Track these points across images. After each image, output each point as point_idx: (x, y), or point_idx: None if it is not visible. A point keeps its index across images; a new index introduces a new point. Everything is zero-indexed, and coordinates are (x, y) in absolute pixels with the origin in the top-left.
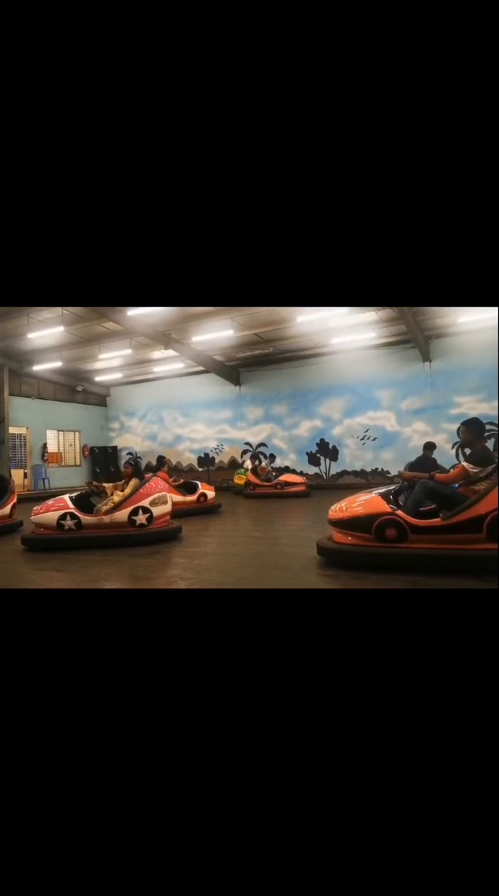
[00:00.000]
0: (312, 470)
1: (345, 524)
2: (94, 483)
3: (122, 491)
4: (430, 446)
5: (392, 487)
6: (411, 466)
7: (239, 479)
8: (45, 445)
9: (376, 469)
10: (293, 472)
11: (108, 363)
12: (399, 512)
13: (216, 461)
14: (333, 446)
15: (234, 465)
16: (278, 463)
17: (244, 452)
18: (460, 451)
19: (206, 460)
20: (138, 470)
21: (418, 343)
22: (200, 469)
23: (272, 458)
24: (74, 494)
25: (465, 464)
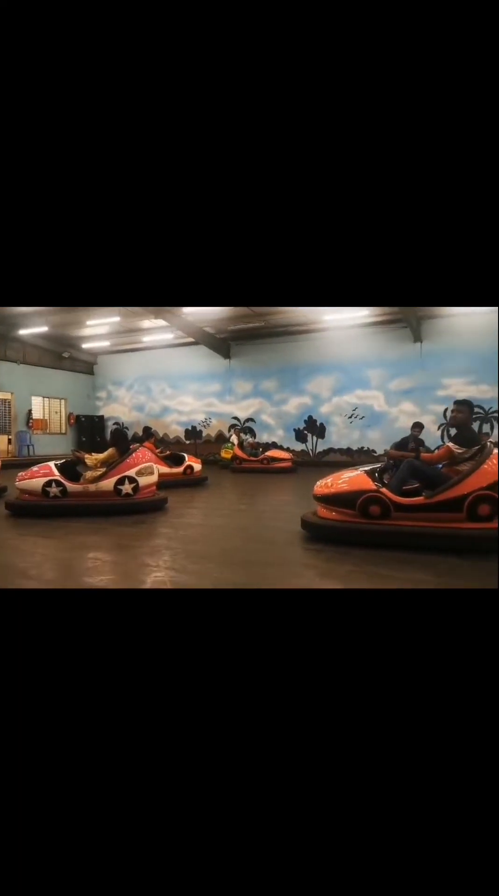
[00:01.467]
0: (298, 446)
1: (330, 500)
2: (78, 452)
3: (101, 462)
4: (417, 426)
5: (378, 465)
6: (398, 446)
7: (226, 454)
8: (30, 412)
9: (363, 448)
10: (280, 447)
11: (96, 330)
12: (384, 489)
13: (204, 434)
14: (321, 424)
15: (221, 438)
16: (266, 439)
17: (231, 427)
18: (445, 432)
19: (193, 433)
20: (118, 440)
21: (410, 323)
22: (187, 442)
23: (252, 432)
24: (60, 462)
25: (450, 444)
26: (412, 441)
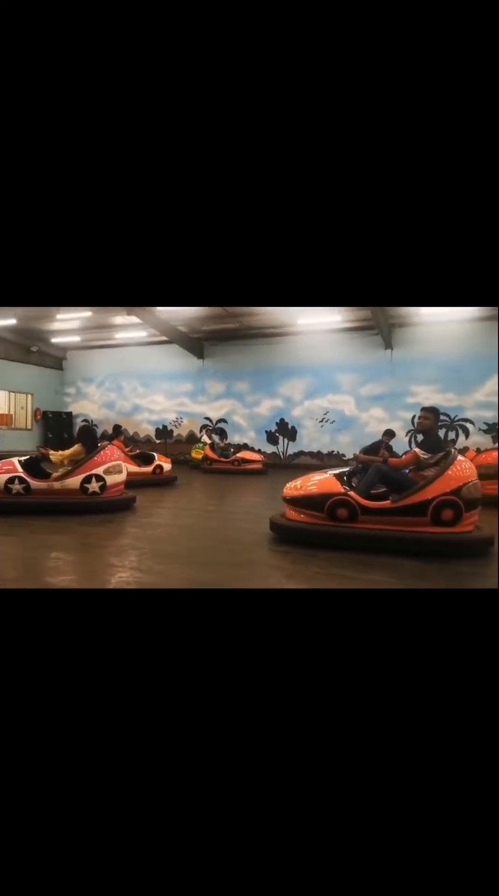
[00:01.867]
0: (270, 449)
1: (299, 502)
2: (44, 448)
3: (66, 459)
4: (389, 433)
5: (347, 469)
6: (368, 450)
7: (196, 454)
8: None
9: (332, 452)
10: (251, 449)
11: (66, 325)
12: (352, 493)
13: (175, 434)
14: (293, 427)
15: (192, 438)
16: (238, 440)
17: (203, 427)
18: (412, 438)
19: (164, 432)
20: (85, 436)
21: (381, 330)
22: (158, 441)
23: (224, 434)
24: (24, 458)
25: (417, 450)
26: (384, 447)
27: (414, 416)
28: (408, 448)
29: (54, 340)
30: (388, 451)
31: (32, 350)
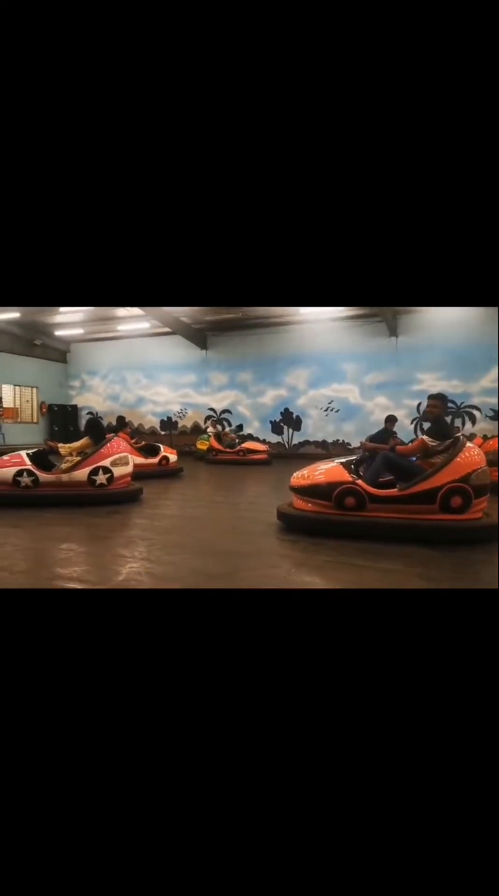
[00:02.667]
0: (274, 439)
1: (306, 491)
2: (51, 442)
3: (75, 451)
4: (391, 419)
5: (353, 457)
6: (372, 439)
7: (201, 445)
8: (0, 400)
9: (337, 440)
10: (256, 439)
11: (70, 318)
12: (359, 482)
13: (179, 425)
14: (297, 416)
15: (197, 430)
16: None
17: (207, 418)
18: (418, 426)
19: (168, 424)
20: (93, 429)
21: (385, 317)
22: (163, 433)
23: (229, 424)
24: (32, 451)
25: (425, 437)
26: (391, 436)
27: (419, 404)
28: (413, 436)
29: (58, 333)
30: (393, 436)
31: (36, 343)
